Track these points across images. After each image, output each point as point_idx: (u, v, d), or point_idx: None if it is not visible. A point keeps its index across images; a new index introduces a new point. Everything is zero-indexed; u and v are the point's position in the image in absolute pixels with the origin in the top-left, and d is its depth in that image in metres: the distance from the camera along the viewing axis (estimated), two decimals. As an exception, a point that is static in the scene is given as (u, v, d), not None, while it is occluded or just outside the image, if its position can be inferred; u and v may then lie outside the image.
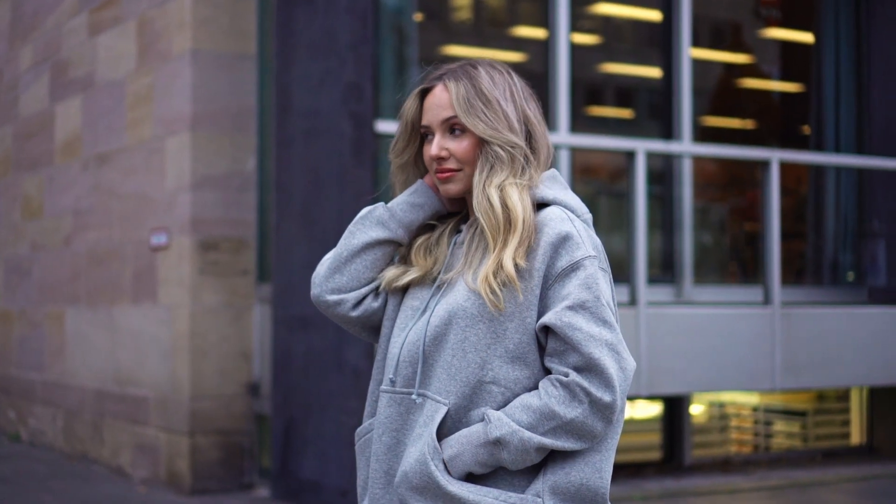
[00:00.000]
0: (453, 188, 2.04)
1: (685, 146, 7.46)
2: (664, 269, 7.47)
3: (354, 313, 2.10)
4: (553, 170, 2.08)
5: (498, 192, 1.96)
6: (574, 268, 1.92)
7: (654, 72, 8.06)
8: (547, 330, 1.93)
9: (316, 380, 6.16)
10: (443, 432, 1.94)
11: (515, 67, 2.10)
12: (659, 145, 7.35)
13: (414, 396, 1.98)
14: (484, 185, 1.97)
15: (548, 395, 1.88)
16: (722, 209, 8.60)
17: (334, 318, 2.12)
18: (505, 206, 1.94)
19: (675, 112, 7.60)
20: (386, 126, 6.01)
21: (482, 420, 1.93)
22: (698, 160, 7.73)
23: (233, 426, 6.85)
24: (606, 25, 8.57)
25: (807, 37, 8.72)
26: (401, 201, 2.10)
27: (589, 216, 2.05)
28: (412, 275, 2.07)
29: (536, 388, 1.93)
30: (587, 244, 1.96)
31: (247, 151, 6.96)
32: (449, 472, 1.90)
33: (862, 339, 7.12)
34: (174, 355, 6.93)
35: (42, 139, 8.98)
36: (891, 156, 7.89)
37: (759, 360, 6.74)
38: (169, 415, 6.97)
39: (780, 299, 6.83)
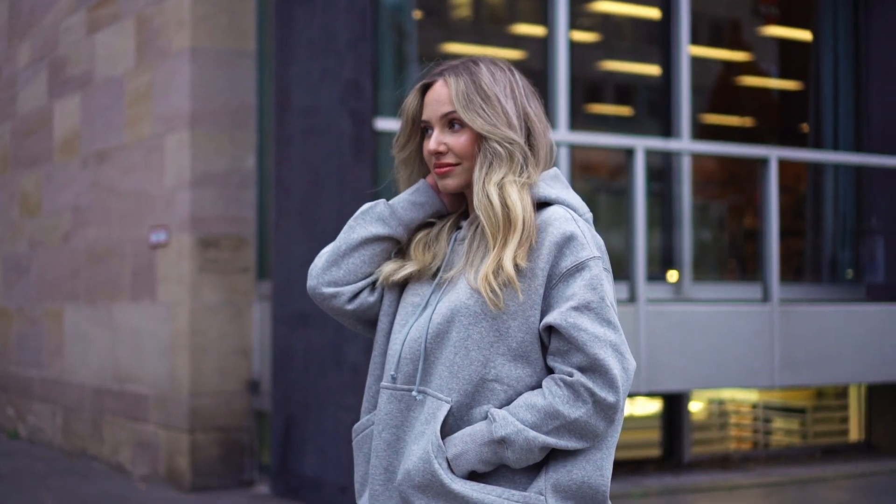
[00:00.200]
0: (451, 183, 2.05)
1: (684, 144, 7.47)
2: (663, 267, 7.48)
3: (350, 307, 2.11)
4: (555, 168, 2.08)
5: (497, 189, 1.96)
6: (579, 268, 1.93)
7: (653, 69, 8.06)
8: (550, 329, 1.94)
9: (315, 377, 6.17)
10: (444, 430, 1.94)
11: (515, 65, 2.11)
12: (658, 143, 7.36)
13: (414, 393, 1.98)
14: (483, 183, 1.98)
15: (552, 395, 1.89)
16: (721, 206, 8.61)
17: (329, 311, 2.13)
18: (504, 204, 1.95)
19: (674, 110, 7.60)
20: (385, 124, 6.01)
21: (485, 418, 1.93)
22: (697, 158, 7.74)
23: (232, 423, 6.86)
24: (606, 23, 8.58)
25: (805, 35, 8.73)
26: (402, 199, 2.11)
27: (590, 215, 2.05)
28: (409, 269, 2.07)
29: (538, 386, 1.94)
30: (591, 245, 1.96)
31: (246, 149, 6.97)
32: (452, 471, 1.91)
33: (860, 337, 7.13)
34: (174, 353, 6.93)
35: (41, 137, 8.98)
36: (889, 153, 7.90)
37: (758, 358, 6.75)
38: (168, 412, 6.97)
39: (778, 297, 6.84)
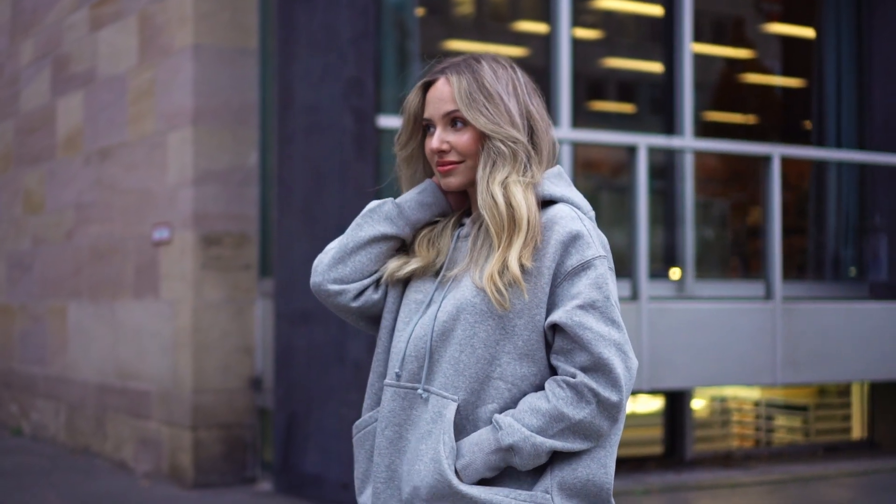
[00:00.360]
0: (454, 181, 2.04)
1: (687, 141, 7.46)
2: (666, 264, 7.48)
3: (355, 304, 2.11)
4: (558, 166, 2.08)
5: (502, 189, 1.96)
6: (584, 267, 1.93)
7: (655, 66, 8.06)
8: (554, 328, 1.94)
9: (318, 374, 6.17)
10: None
11: (517, 62, 2.10)
12: (660, 140, 7.35)
13: (420, 391, 1.98)
14: (488, 182, 1.97)
15: (556, 397, 1.90)
16: (724, 204, 8.60)
17: (333, 308, 2.13)
18: (509, 204, 1.94)
19: (676, 107, 7.60)
20: (387, 121, 6.01)
21: (489, 422, 1.94)
22: (700, 155, 7.74)
23: (235, 420, 6.86)
24: (608, 20, 8.57)
25: (808, 32, 8.72)
26: (410, 199, 2.11)
27: (593, 213, 2.05)
28: (413, 265, 2.08)
29: (543, 385, 1.95)
30: (597, 243, 1.97)
31: (249, 146, 6.97)
32: (460, 477, 1.92)
33: (863, 334, 7.13)
34: (176, 350, 6.94)
35: (43, 134, 8.99)
36: (892, 151, 7.90)
37: (761, 355, 6.75)
38: (171, 409, 6.98)
39: (781, 294, 6.84)
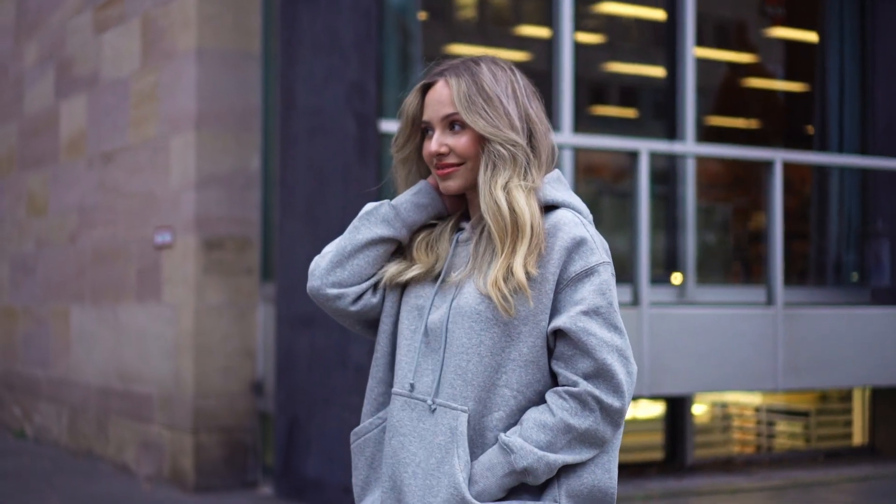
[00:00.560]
0: (453, 185, 2.04)
1: (689, 146, 7.46)
2: (667, 269, 7.48)
3: (354, 308, 2.09)
4: (557, 171, 2.07)
5: (504, 194, 1.95)
6: (588, 273, 1.94)
7: (657, 71, 8.06)
8: (557, 333, 1.94)
9: (319, 378, 6.18)
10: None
11: (519, 66, 2.09)
12: (662, 145, 7.36)
13: (429, 402, 1.98)
14: (490, 187, 1.97)
15: (560, 409, 1.91)
16: (725, 209, 8.60)
17: (331, 312, 2.11)
18: (512, 209, 1.94)
19: (678, 111, 7.60)
20: (389, 125, 6.02)
21: (495, 430, 1.95)
22: (702, 159, 7.74)
23: (236, 424, 6.87)
24: (610, 24, 8.57)
25: (811, 36, 8.71)
26: (405, 200, 2.10)
27: (591, 218, 2.05)
28: (415, 271, 2.07)
29: (547, 391, 1.96)
30: (601, 249, 1.97)
31: (251, 150, 6.98)
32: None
33: (864, 340, 7.13)
34: (178, 353, 6.95)
35: (47, 136, 9.00)
36: (895, 156, 7.89)
37: (762, 361, 6.75)
38: (173, 412, 6.99)
39: (782, 300, 6.84)
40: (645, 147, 6.62)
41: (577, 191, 2.11)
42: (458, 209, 2.13)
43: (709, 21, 8.46)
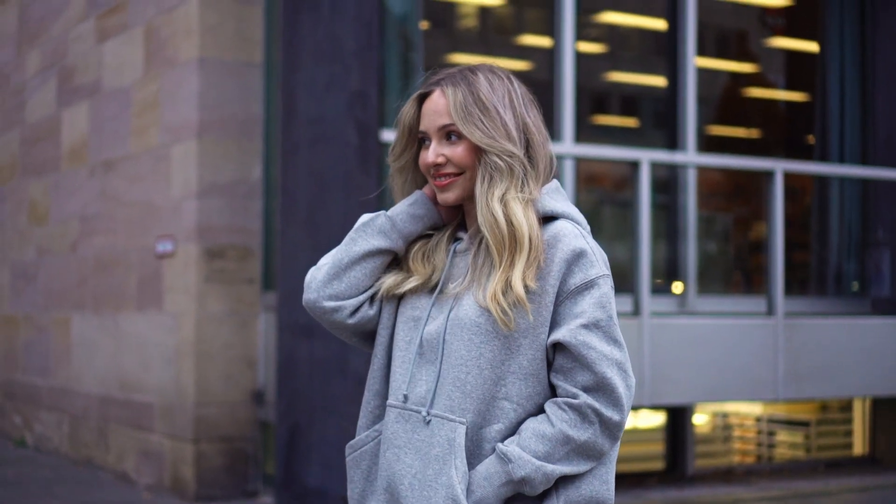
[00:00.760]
0: (451, 196, 2.02)
1: (689, 156, 7.47)
2: (668, 279, 7.48)
3: (351, 320, 2.08)
4: (555, 181, 2.06)
5: (501, 206, 1.94)
6: (589, 286, 1.93)
7: (659, 81, 8.07)
8: (556, 346, 1.94)
9: (320, 387, 6.18)
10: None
11: (521, 76, 2.08)
12: (663, 155, 7.36)
13: (424, 414, 1.97)
14: (487, 199, 1.96)
15: (559, 420, 1.91)
16: (726, 218, 8.61)
17: (328, 325, 2.10)
18: (510, 222, 1.93)
19: (679, 121, 7.61)
20: (391, 134, 6.03)
21: (493, 441, 1.94)
22: (703, 169, 7.74)
23: (237, 433, 6.87)
24: (612, 34, 8.59)
25: (812, 46, 8.73)
26: (401, 211, 2.08)
27: (588, 229, 2.05)
28: (413, 283, 2.05)
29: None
30: (600, 262, 1.97)
31: (253, 159, 6.99)
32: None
33: (865, 350, 7.13)
34: (179, 362, 6.95)
35: (49, 145, 9.01)
36: (895, 166, 7.90)
37: (763, 371, 6.75)
38: (174, 421, 6.99)
39: (783, 310, 6.84)
40: (646, 157, 6.62)
41: (578, 200, 2.11)
42: (454, 219, 2.11)
43: (710, 31, 8.48)
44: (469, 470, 1.94)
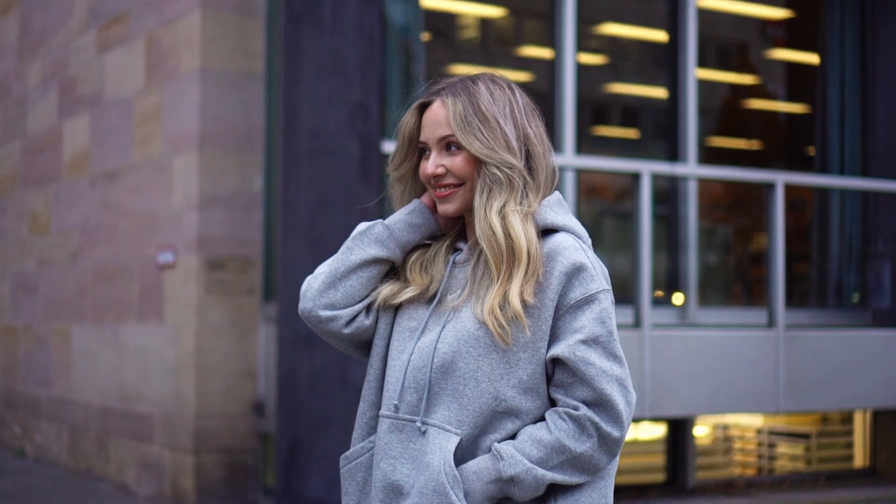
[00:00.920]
0: (451, 208, 2.00)
1: (690, 168, 7.48)
2: (668, 291, 7.48)
3: (347, 330, 2.06)
4: (557, 193, 2.04)
5: (500, 219, 1.92)
6: (588, 301, 1.91)
7: (660, 92, 8.08)
8: (555, 361, 1.92)
9: (321, 398, 6.18)
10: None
11: (521, 87, 2.06)
12: (664, 167, 7.37)
13: (418, 424, 1.95)
14: (485, 211, 1.94)
15: (557, 429, 1.89)
16: (727, 230, 8.61)
17: (324, 334, 2.08)
18: (508, 235, 1.91)
19: (680, 132, 7.62)
20: (392, 146, 6.02)
21: (489, 451, 1.92)
22: (703, 180, 7.75)
23: (237, 444, 6.86)
24: (613, 45, 8.60)
25: (812, 58, 8.74)
26: (399, 220, 2.06)
27: (590, 242, 2.03)
28: (410, 293, 2.03)
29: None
30: (601, 276, 1.95)
31: (254, 170, 6.99)
32: None
33: (866, 362, 7.12)
34: (179, 373, 6.94)
35: (50, 155, 9.02)
36: (895, 177, 7.91)
37: (763, 383, 6.75)
38: (174, 432, 6.98)
39: (784, 322, 6.83)
40: (647, 169, 6.63)
41: (578, 211, 2.09)
42: (452, 229, 2.09)
43: (710, 42, 8.49)
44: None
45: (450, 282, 2.02)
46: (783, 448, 8.14)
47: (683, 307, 7.33)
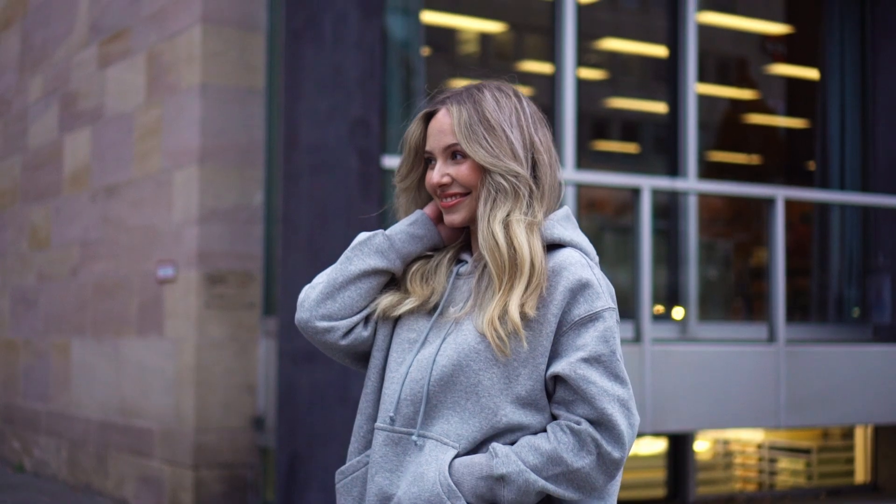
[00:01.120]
0: (458, 217, 1.98)
1: (690, 183, 7.48)
2: (669, 305, 7.47)
3: (344, 342, 2.03)
4: (566, 207, 2.01)
5: (503, 229, 1.90)
6: (593, 318, 1.88)
7: (660, 107, 8.09)
8: (556, 378, 1.89)
9: (321, 413, 6.16)
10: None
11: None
12: (664, 182, 7.37)
13: (414, 437, 1.92)
14: (489, 220, 1.91)
15: (557, 441, 1.85)
16: (727, 245, 8.61)
17: (320, 346, 2.04)
18: (511, 245, 1.88)
19: (680, 147, 7.63)
20: (393, 161, 6.04)
21: (487, 452, 1.89)
22: (704, 195, 7.75)
23: (237, 459, 6.85)
24: (613, 60, 8.62)
25: (812, 73, 8.76)
26: (401, 231, 2.03)
27: (597, 259, 2.00)
28: (410, 304, 2.00)
29: None
30: (606, 294, 1.92)
31: (254, 185, 7.00)
32: None
33: (867, 377, 7.11)
34: (179, 388, 6.93)
35: (50, 170, 9.03)
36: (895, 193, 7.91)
37: (764, 398, 6.73)
38: (173, 447, 6.97)
39: (784, 337, 6.83)
40: (647, 184, 6.63)
41: (578, 226, 2.04)
42: (455, 240, 2.06)
43: (710, 57, 8.51)
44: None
45: (453, 293, 1.99)
46: (784, 463, 8.12)
47: (684, 322, 7.32)
